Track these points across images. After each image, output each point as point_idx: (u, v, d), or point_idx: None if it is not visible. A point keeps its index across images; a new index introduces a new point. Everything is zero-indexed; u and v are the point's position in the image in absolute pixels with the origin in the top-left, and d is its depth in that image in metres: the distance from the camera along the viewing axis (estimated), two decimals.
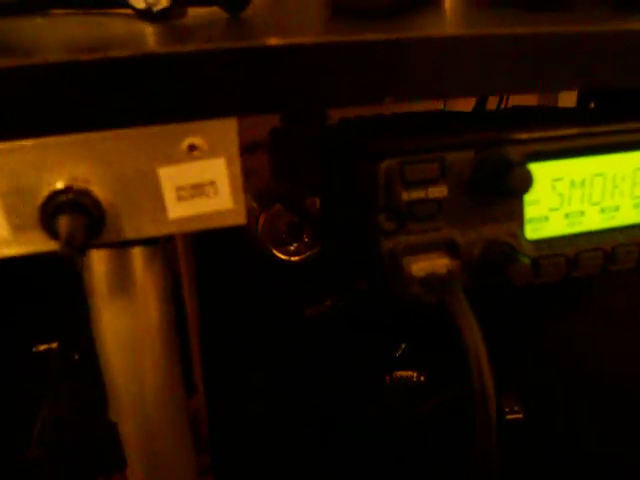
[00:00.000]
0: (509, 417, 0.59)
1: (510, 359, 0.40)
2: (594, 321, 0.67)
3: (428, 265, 0.27)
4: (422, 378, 0.66)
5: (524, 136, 0.29)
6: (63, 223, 0.22)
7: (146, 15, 0.29)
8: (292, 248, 0.48)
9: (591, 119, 0.33)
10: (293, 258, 0.47)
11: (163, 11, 0.28)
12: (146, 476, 0.30)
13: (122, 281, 0.26)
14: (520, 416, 0.57)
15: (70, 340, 0.47)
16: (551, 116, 0.41)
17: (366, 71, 0.23)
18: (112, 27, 0.30)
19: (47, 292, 0.55)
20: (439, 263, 0.27)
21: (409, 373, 0.67)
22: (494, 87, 0.26)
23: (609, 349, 0.62)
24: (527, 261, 0.28)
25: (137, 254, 0.26)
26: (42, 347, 0.48)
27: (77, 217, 0.22)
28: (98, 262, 0.26)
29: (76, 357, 0.45)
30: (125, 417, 0.29)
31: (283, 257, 0.48)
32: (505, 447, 0.28)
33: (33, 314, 0.52)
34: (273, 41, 0.22)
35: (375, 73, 0.23)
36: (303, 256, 0.47)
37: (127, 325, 0.27)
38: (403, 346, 0.69)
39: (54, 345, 0.48)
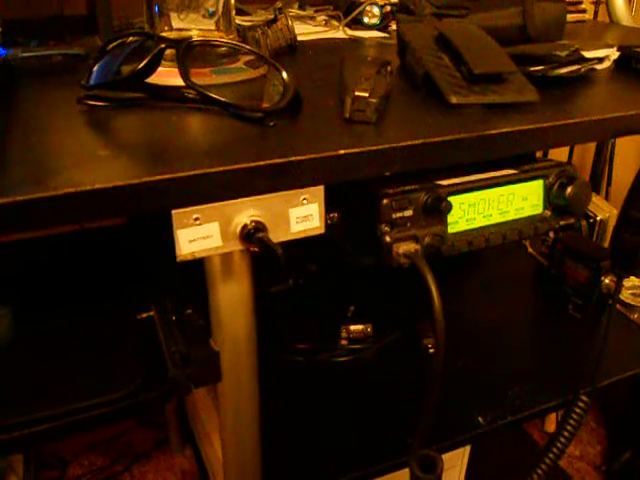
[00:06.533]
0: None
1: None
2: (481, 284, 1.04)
3: (406, 247, 0.56)
4: (369, 329, 0.95)
5: (445, 183, 0.59)
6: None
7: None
8: None
9: (477, 170, 0.64)
10: None
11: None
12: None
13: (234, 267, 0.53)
14: None
15: (165, 308, 0.72)
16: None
17: None
18: None
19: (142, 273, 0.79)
20: (411, 247, 0.56)
21: (359, 326, 0.95)
22: None
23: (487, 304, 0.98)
24: (449, 243, 0.59)
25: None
26: (144, 315, 0.73)
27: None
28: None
29: (174, 318, 0.70)
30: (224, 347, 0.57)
31: None
32: None
33: (131, 289, 0.77)
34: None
35: None
36: None
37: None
38: (352, 308, 0.99)
39: (152, 313, 0.73)
